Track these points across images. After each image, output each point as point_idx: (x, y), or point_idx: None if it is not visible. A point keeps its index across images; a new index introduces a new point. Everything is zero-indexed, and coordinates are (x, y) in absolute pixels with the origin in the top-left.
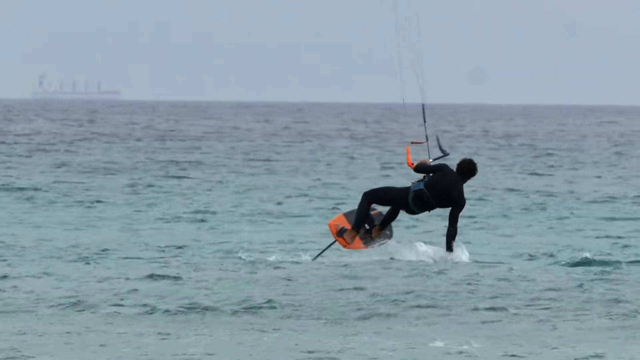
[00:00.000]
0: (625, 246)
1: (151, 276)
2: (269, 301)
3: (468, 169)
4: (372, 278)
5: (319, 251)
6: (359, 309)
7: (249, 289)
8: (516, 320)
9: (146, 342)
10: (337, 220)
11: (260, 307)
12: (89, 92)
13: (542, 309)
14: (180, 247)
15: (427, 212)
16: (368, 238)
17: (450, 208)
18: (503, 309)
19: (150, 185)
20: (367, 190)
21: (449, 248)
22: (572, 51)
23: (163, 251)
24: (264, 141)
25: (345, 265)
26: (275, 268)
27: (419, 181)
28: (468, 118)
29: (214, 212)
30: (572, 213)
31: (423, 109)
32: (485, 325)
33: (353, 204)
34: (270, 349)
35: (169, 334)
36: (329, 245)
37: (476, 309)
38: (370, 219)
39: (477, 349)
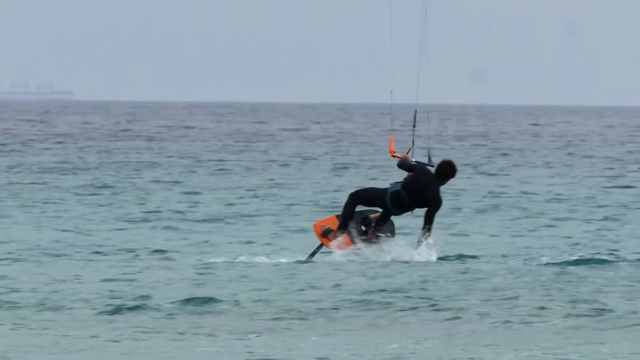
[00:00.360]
0: (579, 247)
1: (105, 278)
2: (224, 302)
3: (447, 169)
4: (329, 279)
5: (309, 253)
6: (315, 310)
7: (202, 290)
8: (471, 320)
9: (101, 344)
10: (325, 221)
11: (215, 309)
12: (42, 92)
13: (498, 309)
14: (133, 249)
15: (409, 212)
16: (364, 240)
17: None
18: (458, 309)
19: (104, 186)
20: (352, 190)
21: (418, 247)
22: (572, 51)
23: (117, 253)
24: (217, 141)
25: (304, 265)
26: (229, 269)
27: (397, 182)
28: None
29: (168, 213)
30: (524, 214)
31: (415, 115)
32: (440, 325)
33: (307, 205)
34: (223, 350)
35: (123, 335)
36: (318, 247)
37: (432, 310)
38: (368, 221)
39: (429, 349)
